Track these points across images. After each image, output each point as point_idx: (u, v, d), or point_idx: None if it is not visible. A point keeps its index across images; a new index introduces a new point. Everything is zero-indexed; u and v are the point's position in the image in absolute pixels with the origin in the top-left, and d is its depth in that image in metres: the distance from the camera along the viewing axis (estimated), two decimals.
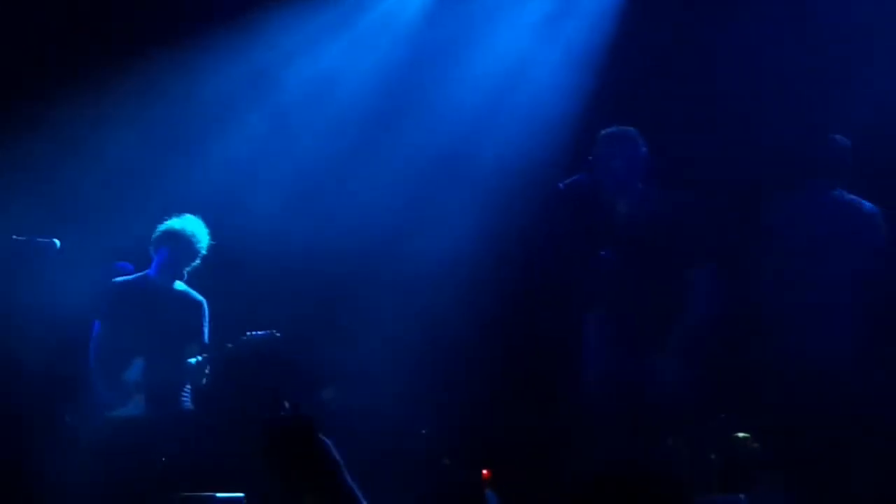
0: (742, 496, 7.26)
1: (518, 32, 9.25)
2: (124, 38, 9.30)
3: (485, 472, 8.08)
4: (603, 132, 7.01)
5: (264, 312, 9.27)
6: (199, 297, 7.96)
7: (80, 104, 9.05)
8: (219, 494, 8.11)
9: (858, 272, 7.25)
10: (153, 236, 7.94)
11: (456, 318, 8.91)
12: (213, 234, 8.74)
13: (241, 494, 7.63)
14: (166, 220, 7.97)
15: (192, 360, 7.71)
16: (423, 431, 9.03)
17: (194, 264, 7.94)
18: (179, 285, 7.95)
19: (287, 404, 5.35)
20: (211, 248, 8.40)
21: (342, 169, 9.40)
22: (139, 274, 8.00)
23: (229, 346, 7.81)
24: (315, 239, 9.31)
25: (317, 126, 9.40)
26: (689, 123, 8.58)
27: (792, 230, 7.34)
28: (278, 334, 7.83)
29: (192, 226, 7.89)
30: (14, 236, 7.67)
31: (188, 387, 7.86)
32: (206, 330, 7.89)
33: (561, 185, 6.97)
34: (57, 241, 7.66)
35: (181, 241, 7.86)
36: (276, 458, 4.24)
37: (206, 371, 7.76)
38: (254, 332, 7.82)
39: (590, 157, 6.96)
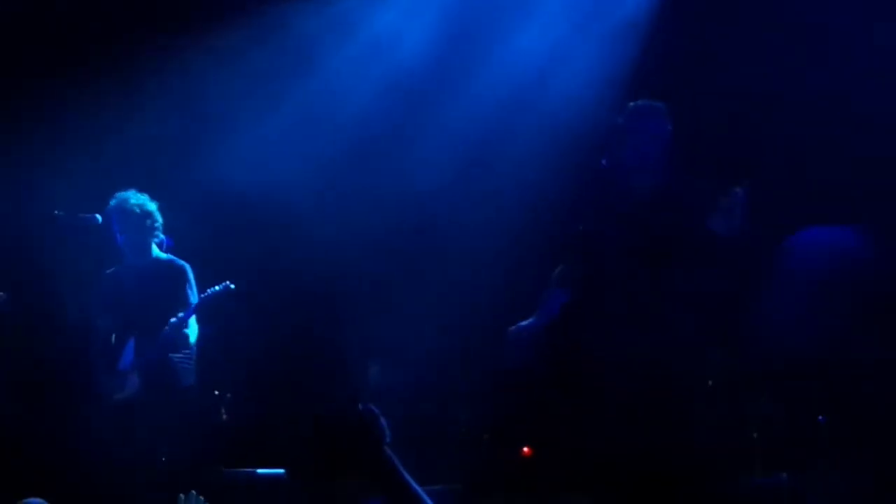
0: (784, 475, 7.22)
1: (558, 16, 9.17)
2: (165, 13, 9.30)
3: (525, 449, 8.07)
4: (630, 105, 6.85)
5: (308, 286, 9.34)
6: (180, 263, 7.90)
7: (124, 78, 9.08)
8: (260, 470, 8.16)
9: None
10: None
11: (494, 297, 8.89)
12: (261, 209, 8.80)
13: (281, 470, 7.64)
14: None
15: (164, 331, 7.71)
16: (464, 409, 9.02)
17: (152, 228, 7.88)
18: (159, 255, 7.92)
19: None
20: (258, 223, 8.37)
21: (386, 145, 9.38)
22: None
23: (193, 303, 7.78)
24: (358, 216, 9.32)
25: (361, 99, 9.37)
26: (721, 114, 8.50)
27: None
28: (232, 286, 7.80)
29: (121, 200, 7.84)
30: (56, 211, 7.70)
31: (188, 359, 7.84)
32: (190, 294, 7.85)
33: (604, 161, 6.86)
34: (99, 217, 7.69)
35: (117, 218, 7.83)
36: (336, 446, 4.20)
37: (182, 336, 7.73)
38: (212, 288, 7.81)
39: (618, 128, 6.81)
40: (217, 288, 7.82)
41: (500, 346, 7.37)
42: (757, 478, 7.44)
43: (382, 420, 4.19)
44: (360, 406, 4.23)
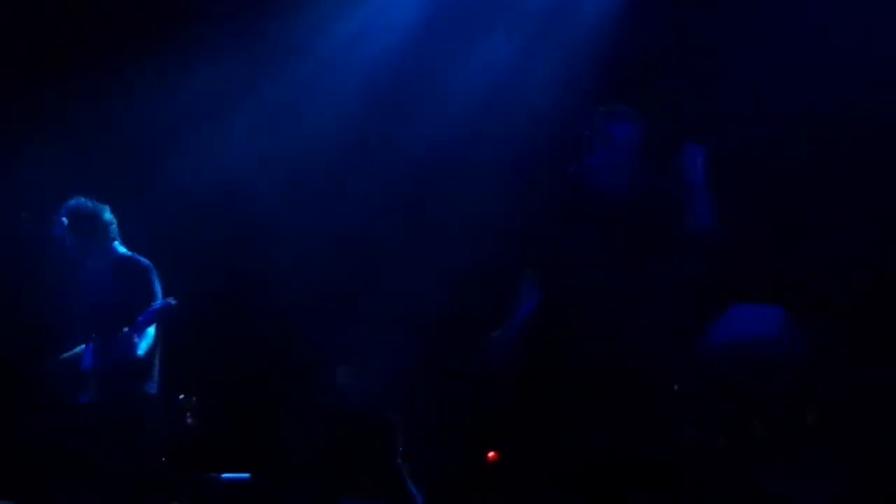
0: (750, 476, 7.26)
1: (520, 26, 9.21)
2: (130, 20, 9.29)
3: (491, 454, 8.10)
4: (600, 108, 6.90)
5: (275, 293, 9.35)
6: (144, 263, 7.80)
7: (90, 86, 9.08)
8: (224, 475, 8.16)
9: None
10: None
11: (462, 301, 8.93)
12: (225, 216, 8.79)
13: (246, 475, 7.64)
14: None
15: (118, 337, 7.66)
16: (429, 412, 9.04)
17: (103, 230, 7.85)
18: (124, 252, 7.87)
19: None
20: (225, 226, 8.36)
21: (350, 155, 9.41)
22: None
23: (140, 319, 7.72)
24: (326, 218, 9.35)
25: (327, 99, 9.38)
26: (684, 118, 8.56)
27: None
28: (174, 302, 7.71)
29: (66, 213, 7.82)
30: (23, 213, 7.69)
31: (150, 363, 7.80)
32: (156, 292, 7.79)
33: (571, 168, 6.90)
34: (65, 220, 7.68)
35: (69, 230, 7.81)
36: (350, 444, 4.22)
37: (136, 343, 7.67)
38: (154, 304, 7.73)
39: (587, 133, 6.86)
40: (160, 303, 7.71)
41: (478, 355, 7.39)
42: (726, 477, 7.50)
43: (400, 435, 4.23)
44: (383, 416, 4.25)
